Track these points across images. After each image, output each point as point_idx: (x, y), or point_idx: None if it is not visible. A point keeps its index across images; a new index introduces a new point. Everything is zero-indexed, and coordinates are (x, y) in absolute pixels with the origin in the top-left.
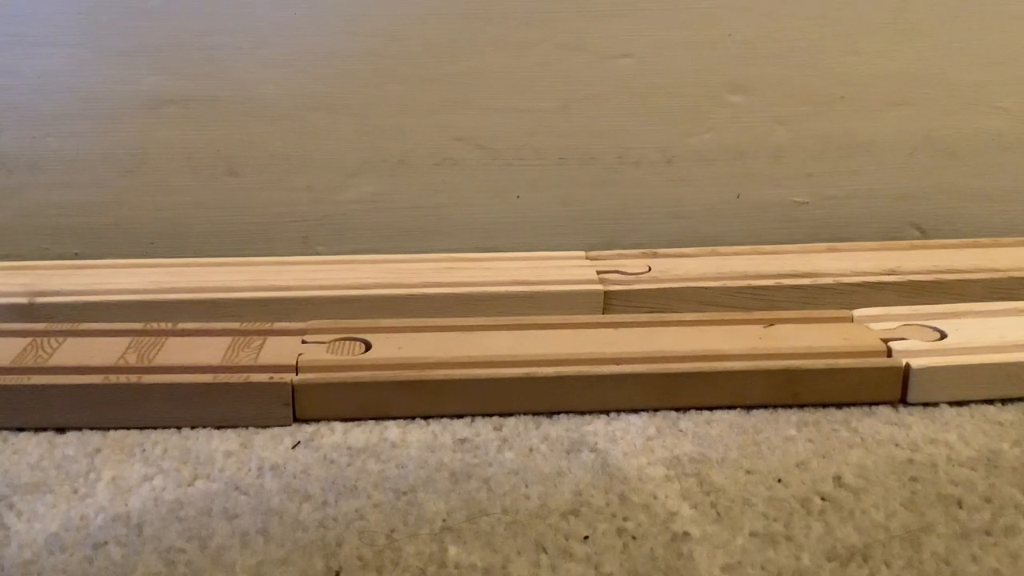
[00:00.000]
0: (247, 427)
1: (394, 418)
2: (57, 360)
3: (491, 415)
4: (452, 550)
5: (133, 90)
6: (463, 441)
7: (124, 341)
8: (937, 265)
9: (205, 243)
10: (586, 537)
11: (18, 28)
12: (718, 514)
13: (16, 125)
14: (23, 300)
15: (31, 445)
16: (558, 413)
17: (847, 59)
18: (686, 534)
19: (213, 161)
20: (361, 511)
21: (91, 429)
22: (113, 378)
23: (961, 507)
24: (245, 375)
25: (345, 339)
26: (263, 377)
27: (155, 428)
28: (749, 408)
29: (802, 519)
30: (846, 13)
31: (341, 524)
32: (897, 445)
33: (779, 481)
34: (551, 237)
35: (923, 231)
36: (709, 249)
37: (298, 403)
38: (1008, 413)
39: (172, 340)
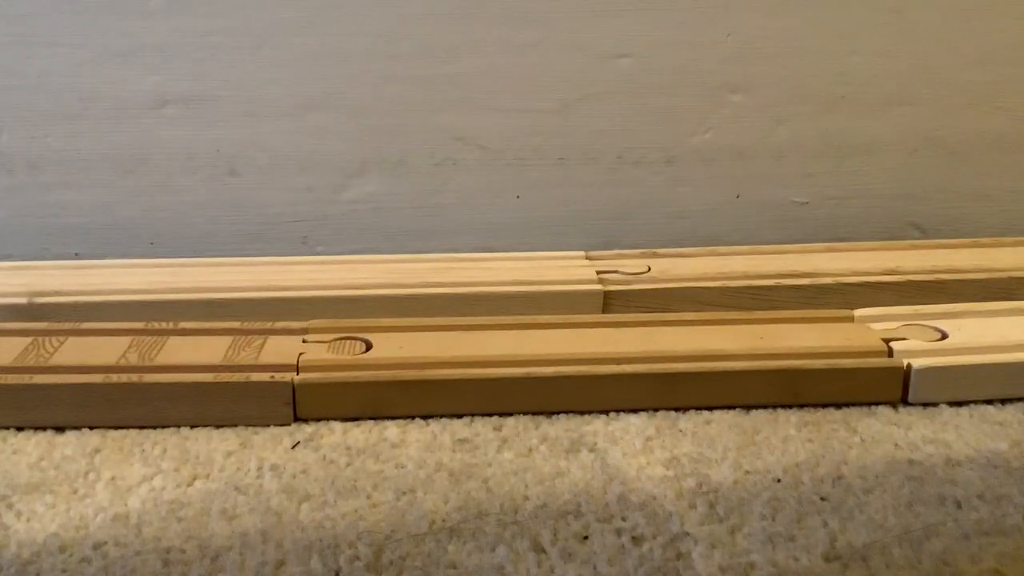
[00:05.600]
0: (247, 427)
1: (394, 418)
2: (59, 359)
3: (491, 415)
4: (451, 550)
5: (133, 90)
6: (463, 441)
7: (125, 340)
8: (937, 265)
9: (205, 243)
10: (586, 537)
11: (18, 28)
12: (717, 514)
13: (16, 125)
14: (23, 300)
15: (30, 445)
16: (558, 413)
17: (847, 59)
18: (685, 534)
19: (213, 161)
20: (361, 511)
21: (90, 429)
22: (114, 377)
23: (961, 507)
24: (246, 374)
25: (346, 339)
26: (264, 376)
27: (155, 428)
28: (749, 408)
29: (802, 519)
30: (846, 13)
31: (341, 524)
32: (897, 445)
33: (778, 481)
34: (551, 237)
35: (923, 231)
36: (709, 249)
37: (299, 402)
38: (1008, 413)
39: (173, 339)
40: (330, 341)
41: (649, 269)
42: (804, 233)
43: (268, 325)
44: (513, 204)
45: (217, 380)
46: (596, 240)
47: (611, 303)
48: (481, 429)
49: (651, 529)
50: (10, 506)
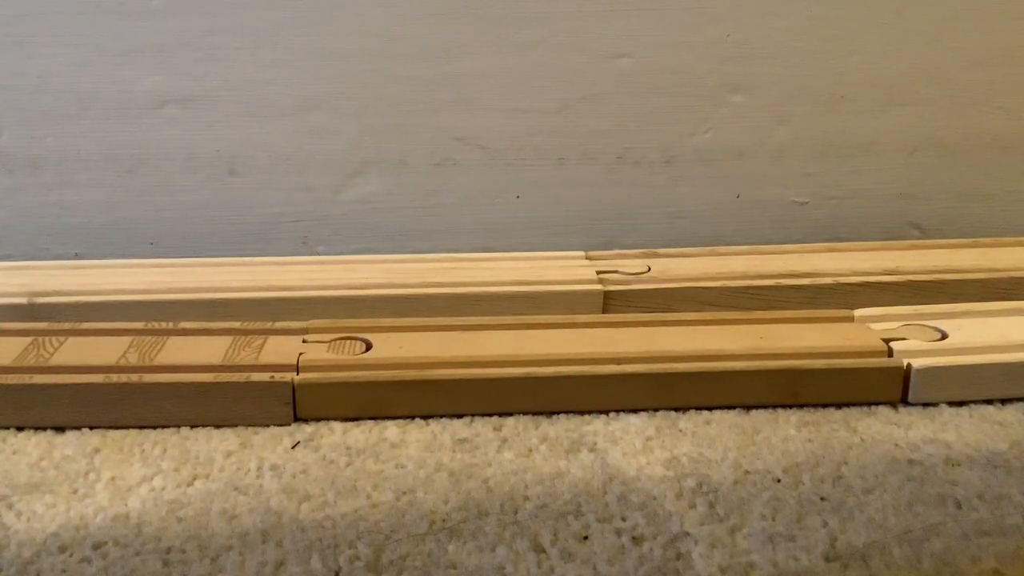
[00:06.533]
0: (247, 427)
1: (394, 418)
2: (59, 359)
3: (491, 415)
4: (451, 550)
5: (133, 90)
6: (463, 441)
7: (125, 340)
8: (937, 265)
9: (205, 243)
10: (586, 537)
11: (18, 28)
12: (717, 514)
13: (16, 125)
14: (23, 300)
15: (30, 445)
16: (558, 413)
17: (847, 59)
18: (685, 534)
19: (213, 161)
20: (361, 511)
21: (90, 429)
22: (114, 377)
23: (961, 507)
24: (246, 374)
25: (346, 339)
26: (264, 376)
27: (155, 428)
28: (749, 408)
29: (802, 519)
30: (846, 13)
31: (341, 524)
32: (897, 445)
33: (778, 481)
34: (551, 237)
35: (923, 231)
36: (709, 249)
37: (299, 402)
38: (1008, 413)
39: (173, 339)
40: (330, 341)
41: (649, 269)
42: (804, 233)
43: (268, 325)
44: (513, 204)
45: (217, 380)
46: (596, 240)
47: (611, 303)
48: (481, 429)
49: (651, 529)
50: (10, 506)
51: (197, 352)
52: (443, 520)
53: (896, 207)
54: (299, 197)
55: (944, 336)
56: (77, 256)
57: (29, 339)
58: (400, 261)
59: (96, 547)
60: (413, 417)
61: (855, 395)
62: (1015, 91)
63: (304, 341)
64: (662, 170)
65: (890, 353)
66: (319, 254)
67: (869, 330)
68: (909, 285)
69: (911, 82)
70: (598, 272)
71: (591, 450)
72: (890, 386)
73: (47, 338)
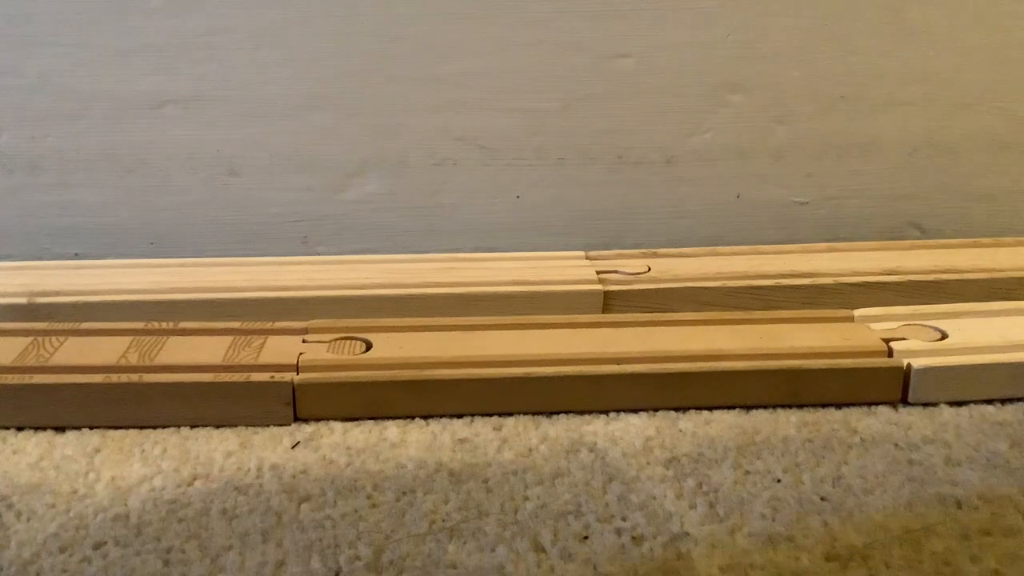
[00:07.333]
0: (247, 427)
1: (394, 418)
2: (59, 359)
3: (491, 415)
4: (451, 550)
5: (133, 90)
6: (462, 441)
7: (125, 340)
8: (937, 265)
9: (205, 243)
10: (586, 537)
11: (18, 28)
12: (717, 514)
13: (16, 125)
14: (23, 300)
15: (31, 445)
16: (558, 413)
17: (847, 59)
18: (685, 534)
19: (213, 161)
20: (361, 511)
21: (90, 429)
22: (114, 377)
23: (961, 507)
24: (246, 374)
25: (346, 339)
26: (264, 376)
27: (155, 428)
28: (749, 408)
29: (802, 519)
30: (846, 13)
31: (341, 524)
32: (897, 445)
33: (778, 481)
34: (551, 237)
35: (923, 231)
36: (709, 249)
37: (299, 402)
38: (1008, 413)
39: (173, 339)
40: (330, 341)
41: (649, 269)
42: (804, 233)
43: (268, 325)
44: (513, 204)
45: (217, 380)
46: (596, 240)
47: (611, 303)
48: (481, 429)
49: (651, 529)
50: (10, 506)
51: (197, 352)
52: (443, 520)
53: (896, 207)
54: (299, 197)
55: (944, 336)
56: (77, 256)
57: (29, 339)
58: (400, 261)
59: (96, 547)
60: (413, 417)
61: (855, 395)
62: (1015, 91)
63: (304, 341)
64: (662, 170)
65: (890, 353)
66: (319, 254)
67: (869, 330)
68: (909, 285)
69: (911, 82)
70: (598, 272)
71: (591, 450)
72: (890, 386)
73: (47, 338)
